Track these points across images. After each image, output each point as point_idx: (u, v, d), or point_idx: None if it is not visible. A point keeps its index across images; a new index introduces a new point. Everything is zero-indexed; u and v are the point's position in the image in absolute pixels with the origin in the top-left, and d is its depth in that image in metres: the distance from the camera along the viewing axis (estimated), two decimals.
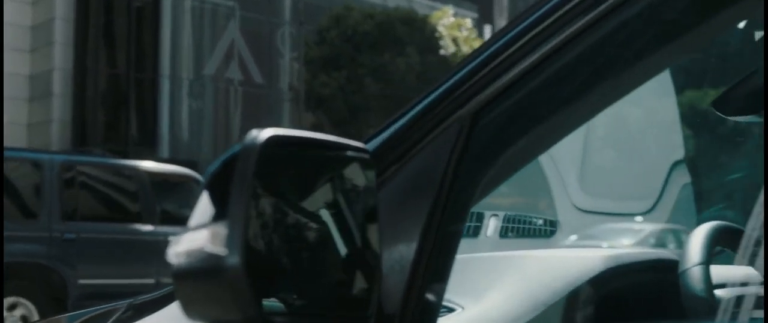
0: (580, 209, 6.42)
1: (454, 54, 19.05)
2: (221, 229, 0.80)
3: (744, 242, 1.58)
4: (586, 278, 1.41)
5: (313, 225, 0.94)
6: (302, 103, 19.96)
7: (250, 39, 20.72)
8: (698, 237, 1.45)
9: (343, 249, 0.97)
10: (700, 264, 1.38)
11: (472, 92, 1.10)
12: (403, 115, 1.12)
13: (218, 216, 0.82)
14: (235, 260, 0.79)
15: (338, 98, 18.37)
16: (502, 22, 29.32)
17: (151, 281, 8.72)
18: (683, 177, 6.64)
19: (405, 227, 1.05)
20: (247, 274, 0.79)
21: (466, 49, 19.39)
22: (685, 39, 1.06)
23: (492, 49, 1.10)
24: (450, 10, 20.34)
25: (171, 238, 0.88)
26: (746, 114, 1.57)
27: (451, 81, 1.10)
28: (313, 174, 0.99)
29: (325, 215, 0.96)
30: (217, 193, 0.85)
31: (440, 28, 19.47)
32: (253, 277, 0.80)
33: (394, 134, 1.10)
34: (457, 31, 19.83)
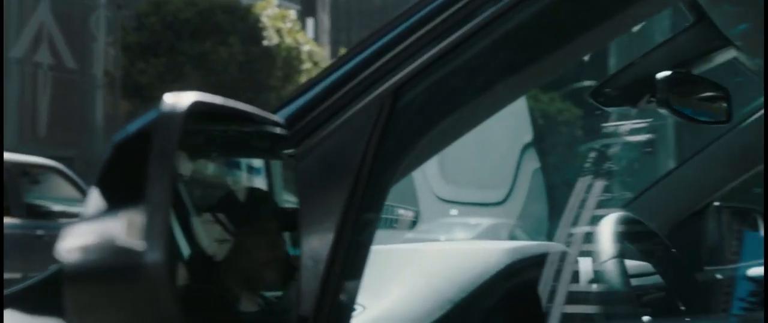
0: (440, 199, 6.45)
1: (278, 45, 18.87)
2: (137, 217, 0.66)
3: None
4: (490, 272, 1.38)
5: (238, 211, 0.84)
6: (118, 90, 19.11)
7: (62, 21, 19.56)
8: (607, 230, 1.46)
9: (262, 240, 0.88)
10: (615, 257, 1.40)
11: (392, 66, 1.03)
12: (317, 83, 1.03)
13: (131, 202, 0.68)
14: (156, 255, 0.65)
15: (157, 86, 17.70)
16: (324, 16, 29.41)
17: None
18: (534, 165, 6.87)
19: (320, 216, 0.96)
20: (171, 273, 0.67)
21: (289, 41, 19.29)
22: (602, 28, 1.04)
23: (413, 19, 1.04)
24: (274, 0, 20.13)
25: (63, 230, 0.73)
26: (621, 105, 1.60)
27: (370, 51, 1.03)
28: (231, 150, 0.89)
29: (246, 198, 0.87)
30: (126, 173, 0.72)
31: (264, 19, 19.22)
32: (176, 277, 0.68)
33: (309, 105, 1.01)
34: (280, 23, 19.64)
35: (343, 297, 0.97)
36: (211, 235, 0.81)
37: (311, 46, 20.51)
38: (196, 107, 0.74)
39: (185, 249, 0.73)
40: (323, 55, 22.38)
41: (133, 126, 0.74)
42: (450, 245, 1.97)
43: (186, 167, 0.73)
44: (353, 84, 1.01)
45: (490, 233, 5.85)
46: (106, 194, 0.69)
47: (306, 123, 0.98)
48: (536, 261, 1.41)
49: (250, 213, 0.86)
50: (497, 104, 1.06)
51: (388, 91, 1.01)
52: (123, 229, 0.66)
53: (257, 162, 0.91)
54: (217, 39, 18.30)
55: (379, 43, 1.02)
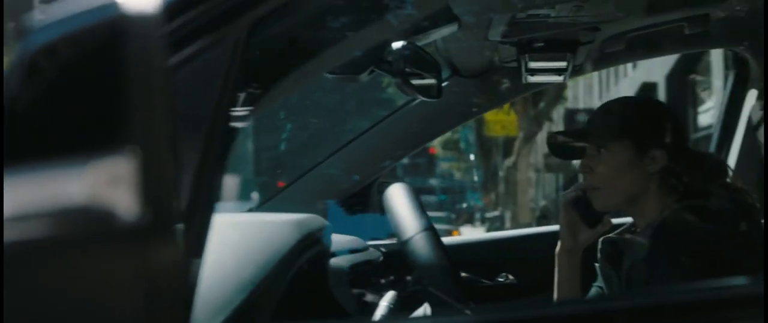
0: None
1: None
2: (114, 168, 0.45)
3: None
4: (285, 242, 1.26)
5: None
6: None
7: None
8: (405, 203, 1.43)
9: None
10: (426, 229, 1.37)
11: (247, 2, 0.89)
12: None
13: (102, 143, 0.46)
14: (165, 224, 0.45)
15: None
16: None
17: None
18: None
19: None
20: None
21: None
22: None
23: None
24: None
25: None
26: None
27: None
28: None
29: None
30: (77, 99, 0.48)
31: None
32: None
33: None
34: None
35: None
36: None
37: None
38: None
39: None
40: None
41: (58, 26, 0.50)
42: (234, 216, 1.75)
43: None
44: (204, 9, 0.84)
45: None
46: (47, 134, 0.45)
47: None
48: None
49: None
50: (344, 55, 0.98)
51: (243, 27, 0.86)
52: (97, 186, 0.44)
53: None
54: None
55: None
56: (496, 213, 21.96)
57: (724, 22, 2.06)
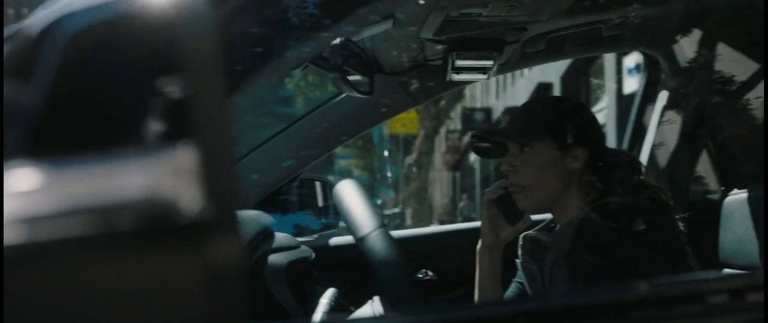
0: None
1: None
2: (175, 160, 0.43)
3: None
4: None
5: None
6: None
7: None
8: (358, 200, 1.41)
9: None
10: (380, 227, 1.35)
11: None
12: None
13: (150, 138, 0.42)
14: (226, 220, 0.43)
15: None
16: None
17: None
18: None
19: None
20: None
21: None
22: None
23: None
24: None
25: None
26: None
27: None
28: None
29: None
30: (120, 91, 0.43)
31: None
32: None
33: None
34: None
35: None
36: None
37: None
38: None
39: None
40: None
41: (98, 10, 0.46)
42: None
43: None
44: None
45: None
46: (99, 124, 0.41)
47: None
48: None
49: None
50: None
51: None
52: (158, 180, 0.42)
53: None
54: None
55: None
56: (395, 210, 22.13)
57: (639, 25, 2.13)
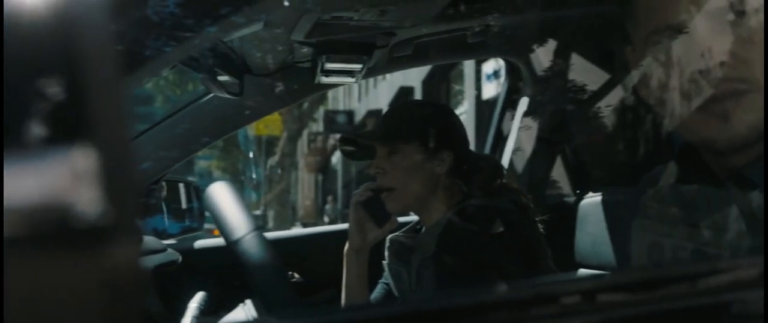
0: None
1: None
2: (74, 163, 0.40)
3: None
4: None
5: None
6: None
7: None
8: (231, 203, 1.36)
9: None
10: (255, 230, 1.31)
11: None
12: None
13: (47, 139, 0.39)
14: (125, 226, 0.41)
15: None
16: None
17: None
18: None
19: None
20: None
21: None
22: None
23: None
24: None
25: None
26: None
27: None
28: None
29: None
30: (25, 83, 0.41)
31: None
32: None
33: None
34: None
35: None
36: None
37: None
38: None
39: None
40: None
41: None
42: None
43: None
44: None
45: None
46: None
47: None
48: None
49: None
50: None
51: None
52: (55, 183, 0.39)
53: None
54: None
55: None
56: (257, 213, 21.91)
57: (500, 34, 2.20)
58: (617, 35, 1.57)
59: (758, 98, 0.95)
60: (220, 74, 1.46)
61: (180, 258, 1.88)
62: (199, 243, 2.46)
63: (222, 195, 1.59)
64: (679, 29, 0.98)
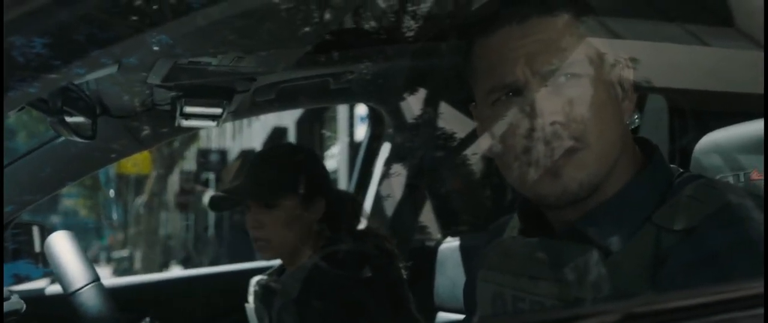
0: None
1: None
2: None
3: None
4: None
5: None
6: None
7: None
8: (71, 252, 1.31)
9: None
10: (94, 281, 1.27)
11: None
12: None
13: None
14: None
15: None
16: None
17: None
18: None
19: None
20: None
21: None
22: None
23: None
24: None
25: None
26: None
27: None
28: None
29: None
30: None
31: None
32: None
33: None
34: None
35: None
36: None
37: None
38: None
39: None
40: None
41: None
42: None
43: None
44: None
45: None
46: None
47: None
48: None
49: None
50: None
51: None
52: None
53: None
54: None
55: None
56: (124, 254, 21.17)
57: (368, 81, 2.24)
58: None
59: (589, 155, 1.00)
60: (71, 116, 1.41)
61: (24, 307, 1.80)
62: (51, 290, 2.36)
63: (61, 245, 1.55)
64: (514, 89, 1.02)
